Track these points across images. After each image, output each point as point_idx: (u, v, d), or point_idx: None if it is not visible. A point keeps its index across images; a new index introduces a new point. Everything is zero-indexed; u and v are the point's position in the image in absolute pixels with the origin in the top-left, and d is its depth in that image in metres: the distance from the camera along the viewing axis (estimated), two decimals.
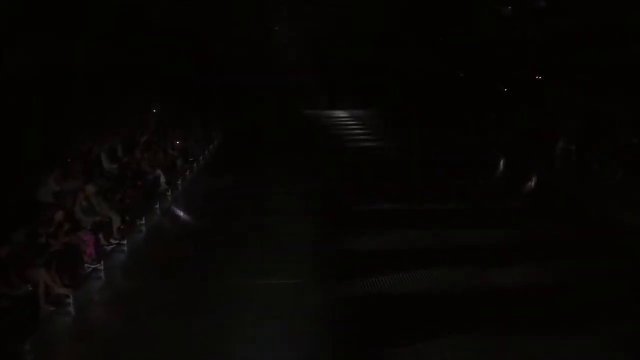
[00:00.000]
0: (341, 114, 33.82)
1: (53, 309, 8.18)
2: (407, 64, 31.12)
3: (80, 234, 9.63)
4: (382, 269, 9.78)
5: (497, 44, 27.73)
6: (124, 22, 17.15)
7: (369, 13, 30.82)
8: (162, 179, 14.00)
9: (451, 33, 30.05)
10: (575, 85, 21.47)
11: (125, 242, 11.04)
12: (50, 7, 13.56)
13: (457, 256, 10.43)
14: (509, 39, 27.03)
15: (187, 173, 16.42)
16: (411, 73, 31.39)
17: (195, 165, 17.45)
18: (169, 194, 14.35)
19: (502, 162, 19.56)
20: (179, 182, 15.35)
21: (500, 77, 27.99)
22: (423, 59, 30.73)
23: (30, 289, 7.95)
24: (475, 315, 8.23)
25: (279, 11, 33.01)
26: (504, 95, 27.67)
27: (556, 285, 9.29)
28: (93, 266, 9.61)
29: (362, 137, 25.41)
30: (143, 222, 12.26)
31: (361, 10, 30.89)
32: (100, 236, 10.35)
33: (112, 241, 10.71)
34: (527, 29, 26.20)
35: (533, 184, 16.65)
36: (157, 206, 13.43)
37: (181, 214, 13.76)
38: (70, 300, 8.49)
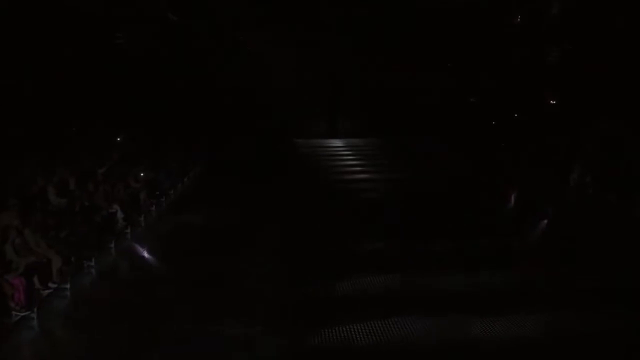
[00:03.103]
0: (341, 143, 33.09)
1: None
2: (415, 86, 30.91)
3: (8, 276, 9.13)
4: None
5: (509, 65, 27.54)
6: (89, 38, 17.15)
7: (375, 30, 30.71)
8: (119, 215, 13.53)
9: (461, 54, 29.93)
10: (592, 110, 21.10)
11: (67, 285, 10.57)
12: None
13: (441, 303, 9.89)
14: (522, 60, 26.86)
15: (153, 208, 15.97)
16: (420, 96, 31.12)
17: (163, 199, 17.01)
18: (128, 231, 13.87)
19: (509, 196, 19.03)
20: (141, 219, 14.88)
21: (513, 102, 27.73)
22: (432, 81, 30.54)
23: None
24: None
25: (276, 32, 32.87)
26: (516, 121, 27.38)
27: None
28: (22, 314, 9.08)
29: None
30: (92, 263, 11.79)
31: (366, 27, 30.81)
32: (35, 279, 9.84)
33: (51, 285, 10.20)
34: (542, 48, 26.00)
35: (537, 220, 16.02)
36: (112, 245, 13.00)
37: (140, 254, 13.22)
38: None
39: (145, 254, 13.20)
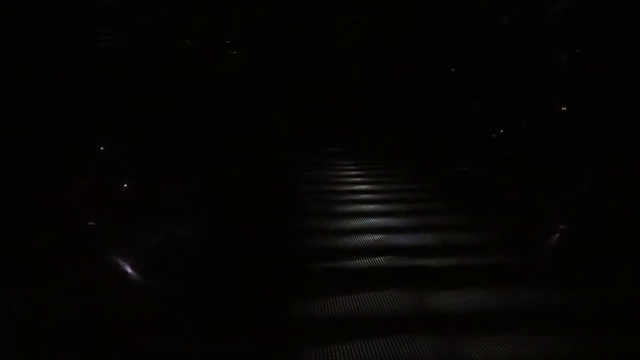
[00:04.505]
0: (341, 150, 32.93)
1: None
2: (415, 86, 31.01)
3: None
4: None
5: (514, 69, 27.46)
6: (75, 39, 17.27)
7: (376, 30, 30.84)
8: (97, 228, 13.55)
9: (462, 56, 29.96)
10: (604, 117, 20.94)
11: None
12: None
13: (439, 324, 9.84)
14: (529, 63, 26.78)
15: (136, 220, 15.95)
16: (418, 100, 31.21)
17: (149, 210, 17.01)
18: (107, 246, 13.86)
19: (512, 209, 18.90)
20: (123, 232, 14.88)
21: (519, 108, 27.61)
22: (431, 84, 30.62)
23: None
24: None
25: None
26: (523, 128, 27.24)
27: None
28: None
29: None
30: (63, 279, 11.79)
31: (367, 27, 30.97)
32: None
33: None
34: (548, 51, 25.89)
35: (538, 235, 15.89)
36: (87, 260, 12.97)
37: (121, 269, 13.23)
38: None
39: (125, 270, 13.24)
